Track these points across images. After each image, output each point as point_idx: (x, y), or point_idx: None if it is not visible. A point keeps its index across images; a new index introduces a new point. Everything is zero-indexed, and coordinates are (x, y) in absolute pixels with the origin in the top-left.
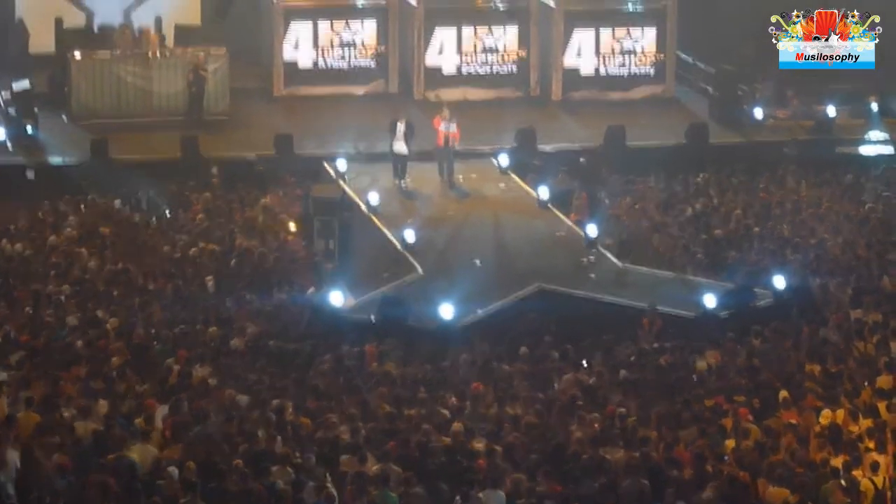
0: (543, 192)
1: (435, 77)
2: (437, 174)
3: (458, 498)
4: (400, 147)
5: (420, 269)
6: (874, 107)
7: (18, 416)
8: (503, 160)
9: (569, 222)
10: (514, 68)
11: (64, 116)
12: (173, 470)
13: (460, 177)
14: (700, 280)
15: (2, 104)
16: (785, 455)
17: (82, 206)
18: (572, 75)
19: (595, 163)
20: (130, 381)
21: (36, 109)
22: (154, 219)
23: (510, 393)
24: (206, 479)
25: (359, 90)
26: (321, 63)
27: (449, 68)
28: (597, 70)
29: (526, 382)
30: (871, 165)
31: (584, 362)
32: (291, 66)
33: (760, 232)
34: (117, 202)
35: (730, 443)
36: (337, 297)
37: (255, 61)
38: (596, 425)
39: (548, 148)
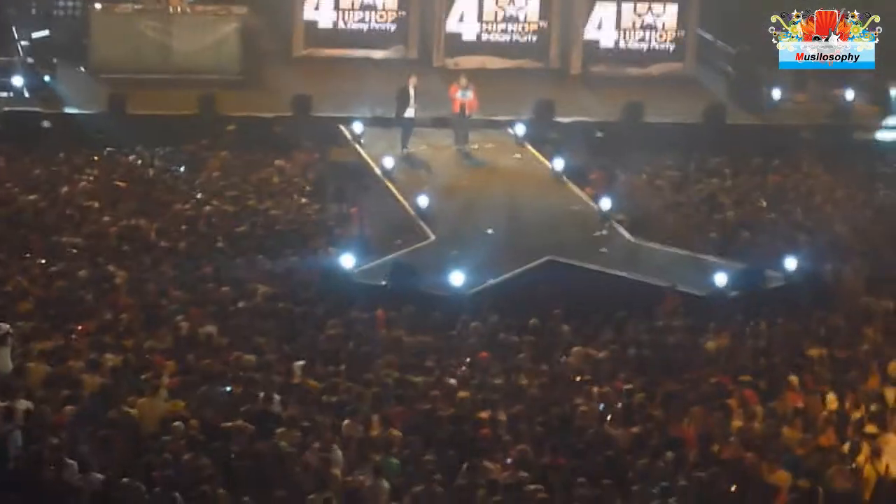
0: (559, 165)
1: (454, 44)
2: (453, 142)
3: (464, 466)
4: (412, 113)
5: (432, 236)
6: (893, 93)
7: (27, 368)
8: (520, 131)
9: (583, 196)
10: (535, 39)
11: (83, 68)
12: (179, 425)
13: (476, 146)
14: (711, 260)
15: (21, 53)
16: (790, 439)
17: (97, 159)
18: (592, 48)
19: (611, 138)
20: (139, 336)
21: (55, 60)
22: (168, 175)
23: (517, 364)
24: (212, 438)
25: (377, 54)
26: (341, 24)
27: (469, 36)
28: (616, 44)
29: (534, 354)
30: (888, 152)
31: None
32: (311, 26)
33: (774, 215)
34: (132, 157)
35: (736, 424)
36: (348, 261)
37: (274, 20)
38: (602, 401)
39: (565, 121)
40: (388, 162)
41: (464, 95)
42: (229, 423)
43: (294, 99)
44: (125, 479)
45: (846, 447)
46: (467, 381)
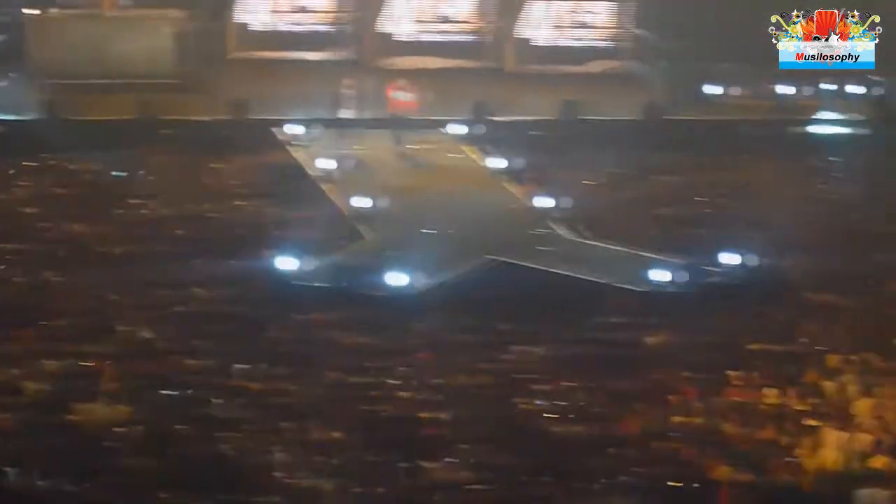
0: (497, 164)
1: (391, 45)
2: (391, 143)
3: (407, 466)
4: (347, 114)
5: (372, 237)
6: (828, 87)
7: None
8: (458, 130)
9: (522, 195)
10: (471, 38)
11: (19, 74)
12: (122, 430)
13: (414, 146)
14: (652, 256)
15: None
16: (732, 432)
17: (34, 165)
18: (528, 47)
19: (550, 136)
20: (80, 342)
21: None
22: (107, 180)
23: (459, 364)
24: (155, 442)
25: (314, 56)
26: (277, 27)
27: (405, 36)
28: (553, 42)
29: (475, 354)
30: (824, 146)
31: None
32: (247, 29)
33: (713, 210)
34: (70, 162)
35: (678, 419)
36: (288, 264)
37: (211, 24)
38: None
39: (503, 119)
40: (326, 163)
41: (401, 96)
42: (172, 427)
43: (231, 102)
44: (68, 485)
45: (787, 440)
46: (409, 381)
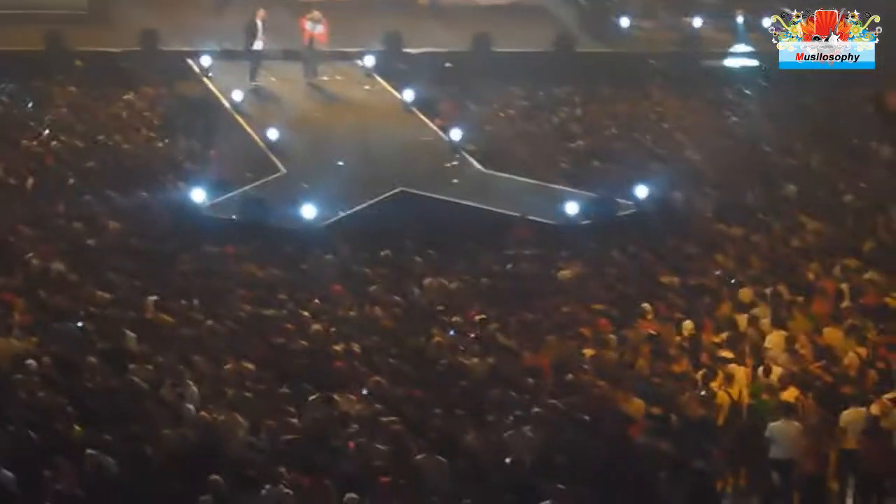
0: (408, 96)
1: None
2: (303, 75)
3: (318, 398)
4: (261, 45)
5: (283, 169)
6: (740, 20)
7: None
8: (369, 62)
9: (433, 127)
10: None
11: None
12: (32, 363)
13: (325, 78)
14: (563, 188)
15: None
16: (643, 366)
17: None
18: None
19: (461, 68)
20: None
21: None
22: (16, 111)
23: (371, 296)
24: (65, 375)
25: None
26: None
27: None
28: None
29: (387, 286)
30: (736, 80)
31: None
32: None
33: (624, 143)
34: None
35: (589, 352)
36: (199, 196)
37: None
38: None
39: (414, 52)
40: (237, 95)
41: (313, 28)
42: (84, 360)
43: (141, 33)
44: None
45: (699, 374)
46: (320, 313)
